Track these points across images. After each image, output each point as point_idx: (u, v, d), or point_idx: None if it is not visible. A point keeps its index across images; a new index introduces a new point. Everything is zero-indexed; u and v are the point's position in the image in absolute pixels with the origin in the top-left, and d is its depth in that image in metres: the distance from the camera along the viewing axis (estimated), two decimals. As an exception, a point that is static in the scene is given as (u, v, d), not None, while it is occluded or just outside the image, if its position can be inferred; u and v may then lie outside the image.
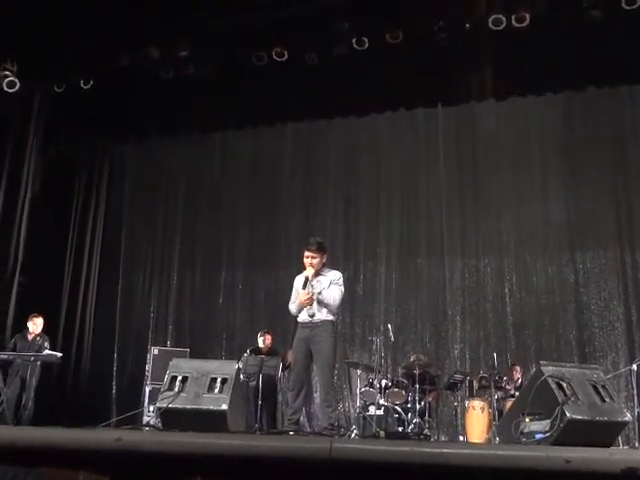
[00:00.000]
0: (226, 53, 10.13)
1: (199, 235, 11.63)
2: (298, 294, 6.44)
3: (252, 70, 10.13)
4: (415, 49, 9.66)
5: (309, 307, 6.28)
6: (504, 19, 9.01)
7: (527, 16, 8.93)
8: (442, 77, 10.06)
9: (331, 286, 6.36)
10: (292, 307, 6.53)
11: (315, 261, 6.36)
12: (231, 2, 9.34)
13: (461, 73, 10.08)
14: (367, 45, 9.54)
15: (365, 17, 9.31)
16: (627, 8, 8.54)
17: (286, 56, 9.89)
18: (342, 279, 6.51)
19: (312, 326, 6.28)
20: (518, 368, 9.02)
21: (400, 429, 8.22)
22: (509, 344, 9.78)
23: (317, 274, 6.38)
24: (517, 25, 9.02)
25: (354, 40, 9.50)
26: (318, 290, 6.29)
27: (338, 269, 6.81)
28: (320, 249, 6.42)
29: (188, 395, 5.25)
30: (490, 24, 9.06)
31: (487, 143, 10.55)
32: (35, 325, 9.30)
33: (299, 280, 6.55)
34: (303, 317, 6.35)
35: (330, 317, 6.31)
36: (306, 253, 6.40)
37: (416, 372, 8.45)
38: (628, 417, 4.82)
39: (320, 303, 6.28)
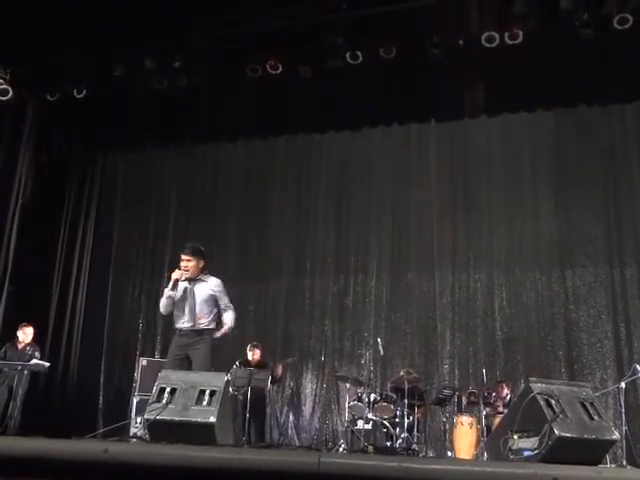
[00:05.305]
0: (220, 65, 10.13)
1: (190, 246, 11.56)
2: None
3: (246, 82, 10.14)
4: (409, 64, 9.68)
5: (189, 319, 6.31)
6: (497, 36, 9.06)
7: (520, 33, 8.98)
8: (435, 93, 10.08)
9: (224, 313, 6.45)
10: (161, 305, 6.53)
11: (190, 264, 6.38)
12: (226, 14, 9.35)
13: (454, 89, 10.09)
14: (361, 59, 9.55)
15: (359, 32, 9.34)
16: (619, 28, 8.62)
17: (280, 69, 9.90)
18: (222, 285, 6.51)
19: (191, 334, 6.32)
20: (505, 385, 9.01)
21: (388, 444, 8.21)
22: (498, 360, 9.77)
23: (196, 280, 6.40)
24: (510, 42, 9.06)
25: (348, 54, 9.51)
26: (199, 297, 6.33)
27: (219, 276, 6.73)
28: (195, 253, 6.42)
29: (176, 407, 5.20)
30: (483, 41, 9.11)
31: (479, 159, 10.59)
32: (25, 334, 9.29)
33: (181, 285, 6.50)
34: (182, 324, 6.37)
35: (210, 326, 6.39)
36: (182, 257, 6.42)
37: (405, 387, 8.43)
38: (616, 435, 4.80)
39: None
